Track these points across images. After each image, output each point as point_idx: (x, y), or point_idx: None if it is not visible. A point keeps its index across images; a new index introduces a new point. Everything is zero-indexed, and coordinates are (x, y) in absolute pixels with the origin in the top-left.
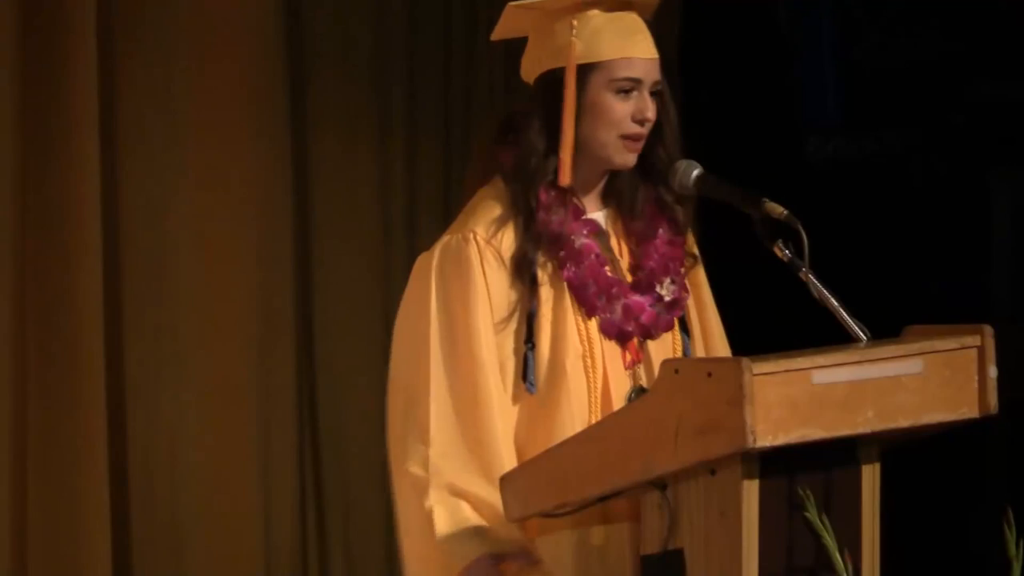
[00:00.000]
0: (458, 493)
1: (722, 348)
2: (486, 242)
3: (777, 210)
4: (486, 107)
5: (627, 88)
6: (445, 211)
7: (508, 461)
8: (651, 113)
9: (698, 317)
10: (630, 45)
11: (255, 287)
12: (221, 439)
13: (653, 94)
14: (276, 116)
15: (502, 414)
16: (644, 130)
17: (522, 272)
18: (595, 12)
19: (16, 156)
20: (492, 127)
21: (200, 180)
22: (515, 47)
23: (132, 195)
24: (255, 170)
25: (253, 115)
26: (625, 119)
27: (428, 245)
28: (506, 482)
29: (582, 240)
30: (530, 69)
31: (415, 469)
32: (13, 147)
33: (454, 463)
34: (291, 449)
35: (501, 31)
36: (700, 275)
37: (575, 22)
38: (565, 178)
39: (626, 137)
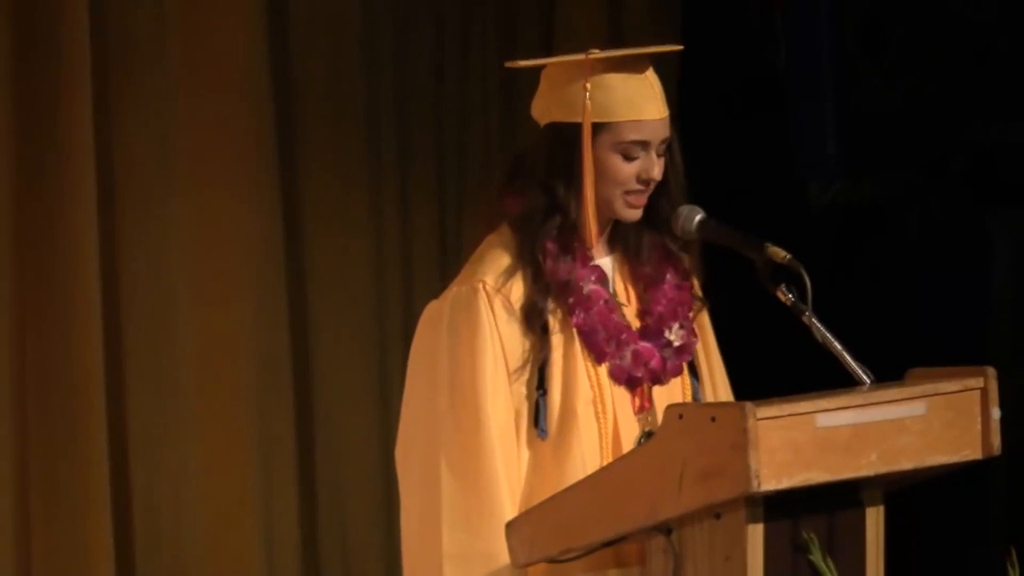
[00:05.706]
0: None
1: (724, 393)
2: (495, 291)
3: (779, 254)
4: (480, 172)
5: (634, 151)
6: (442, 271)
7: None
8: (657, 173)
9: (705, 360)
10: (640, 107)
11: (254, 340)
12: (223, 491)
13: (661, 148)
14: (267, 171)
15: (507, 475)
16: (649, 188)
17: (533, 322)
18: (608, 71)
19: (13, 212)
20: (500, 171)
21: (197, 235)
22: (510, 122)
23: (130, 250)
24: (250, 226)
25: (246, 169)
26: (630, 179)
27: (425, 289)
28: (512, 528)
29: (590, 286)
30: (541, 113)
31: None
32: (9, 203)
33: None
34: (292, 500)
35: (516, 64)
36: (705, 318)
37: (588, 85)
38: (591, 239)
39: (629, 193)
